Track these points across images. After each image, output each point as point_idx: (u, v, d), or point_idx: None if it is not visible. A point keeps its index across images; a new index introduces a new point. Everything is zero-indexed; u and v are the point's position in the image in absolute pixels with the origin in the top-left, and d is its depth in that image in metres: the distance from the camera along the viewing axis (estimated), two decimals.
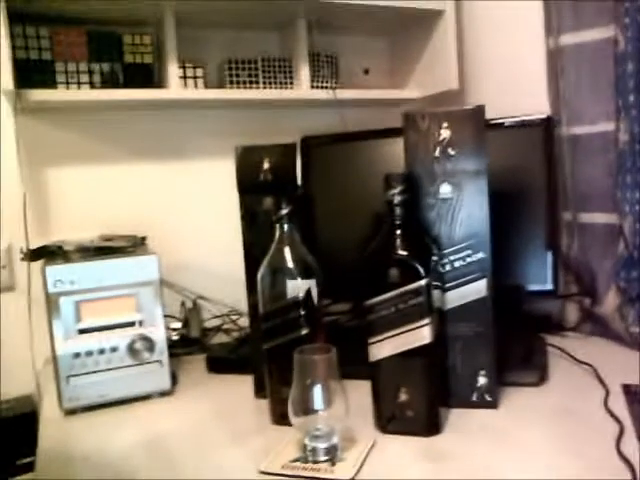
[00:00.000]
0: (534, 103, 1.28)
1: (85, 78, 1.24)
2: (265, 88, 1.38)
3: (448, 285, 0.87)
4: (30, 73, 1.20)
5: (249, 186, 0.97)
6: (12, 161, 1.25)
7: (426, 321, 0.79)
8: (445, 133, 0.86)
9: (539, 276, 1.16)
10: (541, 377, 0.97)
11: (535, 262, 1.17)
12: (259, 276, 0.88)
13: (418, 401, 0.81)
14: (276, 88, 1.39)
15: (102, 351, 0.99)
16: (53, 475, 0.80)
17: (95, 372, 0.99)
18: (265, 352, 0.88)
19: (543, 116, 1.18)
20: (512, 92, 1.35)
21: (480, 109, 0.86)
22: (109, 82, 1.26)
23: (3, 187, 1.27)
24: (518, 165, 1.18)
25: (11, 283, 1.31)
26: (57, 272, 0.96)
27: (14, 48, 1.18)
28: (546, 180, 1.17)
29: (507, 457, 0.74)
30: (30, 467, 1.08)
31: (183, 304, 1.39)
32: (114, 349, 1.00)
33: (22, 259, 1.08)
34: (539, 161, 1.17)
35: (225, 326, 1.41)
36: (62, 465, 0.83)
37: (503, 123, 1.18)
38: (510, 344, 1.05)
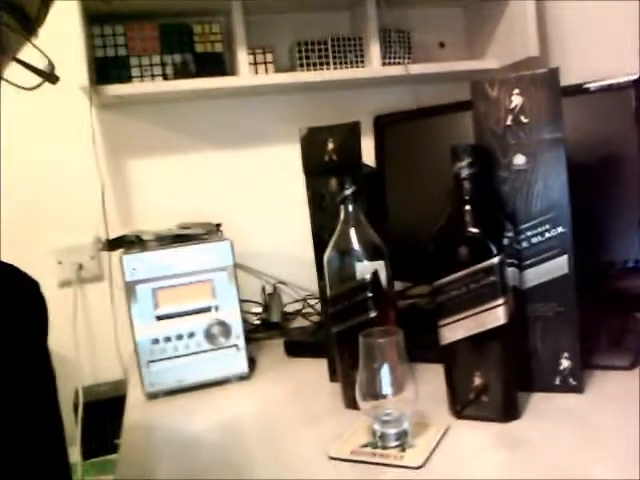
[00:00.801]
0: (625, 65, 1.18)
1: (158, 70, 1.27)
2: (336, 69, 1.36)
3: (526, 263, 0.82)
4: (107, 69, 1.25)
5: (314, 168, 0.96)
6: (91, 155, 1.30)
7: (500, 301, 0.75)
8: (517, 100, 0.80)
9: (631, 251, 1.08)
10: (634, 360, 0.90)
11: (627, 236, 1.08)
12: (325, 259, 0.87)
13: (494, 385, 0.77)
14: (347, 68, 1.36)
15: (180, 337, 1.01)
16: (136, 455, 0.83)
17: (174, 357, 1.01)
18: (334, 336, 0.87)
19: (633, 77, 1.08)
20: (599, 55, 1.25)
21: (554, 71, 0.79)
22: (181, 73, 1.28)
23: (86, 182, 1.32)
24: (607, 132, 1.09)
25: (100, 273, 1.37)
26: (133, 260, 0.99)
27: (94, 47, 1.23)
28: (638, 147, 1.08)
29: (592, 446, 0.69)
30: None
31: (264, 289, 1.41)
32: (191, 334, 1.02)
33: (101, 249, 1.12)
34: (630, 127, 1.07)
35: (305, 310, 1.41)
36: (144, 446, 0.86)
37: (588, 88, 1.10)
38: (598, 325, 0.98)
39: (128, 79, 1.25)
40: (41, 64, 0.48)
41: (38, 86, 0.45)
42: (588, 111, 1.08)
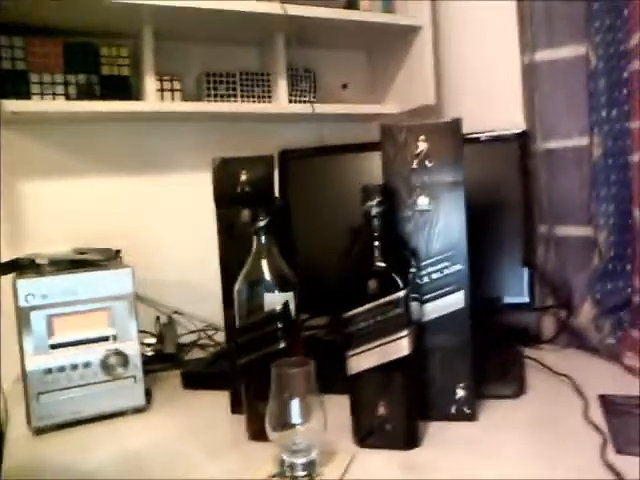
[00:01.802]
0: (510, 117, 1.29)
1: (61, 90, 1.22)
2: (243, 102, 1.38)
3: (426, 297, 0.87)
4: (3, 83, 1.18)
5: (226, 199, 0.96)
6: None
7: (405, 332, 0.79)
8: (422, 145, 0.86)
9: (515, 289, 1.17)
10: (519, 389, 0.97)
11: (511, 275, 1.18)
12: (236, 289, 0.87)
13: (397, 414, 0.80)
14: (254, 102, 1.39)
15: (75, 367, 0.97)
16: None
17: (67, 388, 0.96)
18: (242, 367, 0.87)
19: (518, 130, 1.19)
20: (488, 107, 1.36)
21: (456, 122, 0.86)
22: (85, 94, 1.24)
23: None
24: (494, 179, 1.19)
25: None
26: (28, 286, 0.94)
27: None
28: (522, 194, 1.18)
29: (487, 470, 0.74)
30: None
31: (158, 319, 1.37)
32: (87, 364, 0.97)
33: None
34: (515, 175, 1.18)
35: (201, 341, 1.39)
36: None
37: (479, 138, 1.19)
38: (487, 357, 1.05)
39: (27, 96, 1.19)
40: None
41: None
42: (478, 159, 1.17)
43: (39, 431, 0.95)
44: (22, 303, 0.93)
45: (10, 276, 1.01)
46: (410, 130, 0.86)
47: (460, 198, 0.86)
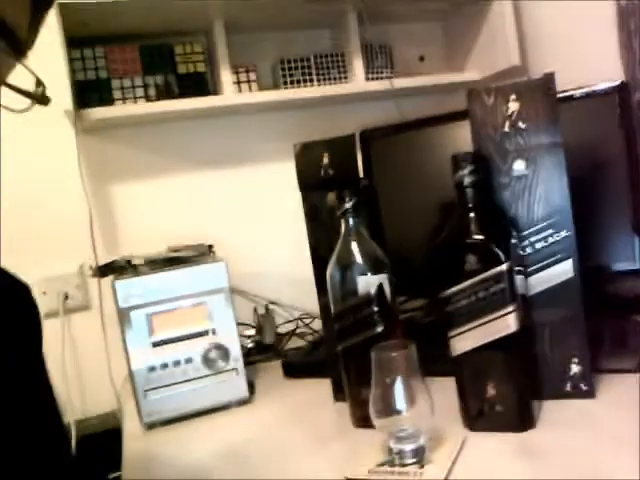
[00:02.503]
0: (606, 70, 1.19)
1: (140, 92, 1.25)
2: (320, 85, 1.35)
3: (531, 269, 0.81)
4: (89, 92, 1.22)
5: (310, 183, 0.95)
6: (76, 181, 1.27)
7: (510, 309, 0.74)
8: (513, 106, 0.80)
9: (625, 254, 1.08)
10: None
11: (619, 240, 1.09)
12: (328, 274, 0.85)
13: (507, 394, 0.75)
14: (331, 84, 1.36)
15: (177, 363, 0.98)
16: None
17: (172, 385, 0.98)
18: (340, 353, 0.85)
19: (616, 83, 1.09)
20: (579, 61, 1.26)
21: (549, 77, 0.79)
22: (164, 94, 1.26)
23: (69, 208, 1.29)
24: (592, 139, 1.11)
25: (86, 302, 1.33)
26: (127, 286, 0.96)
27: (73, 71, 1.21)
28: (625, 150, 1.08)
29: (610, 450, 0.68)
30: None
31: (255, 311, 1.38)
32: (189, 360, 0.99)
33: (92, 276, 1.09)
34: (615, 132, 1.09)
35: (299, 330, 1.38)
36: (147, 478, 0.82)
37: (572, 95, 1.11)
38: (601, 328, 0.97)
39: (110, 102, 1.23)
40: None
41: (29, 109, 0.43)
42: (573, 119, 1.08)
43: (150, 426, 0.98)
44: (122, 304, 0.96)
45: (109, 278, 1.04)
46: (499, 91, 0.81)
47: (560, 159, 0.79)
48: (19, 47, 0.42)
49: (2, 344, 0.48)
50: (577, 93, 1.10)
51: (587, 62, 1.26)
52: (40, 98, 0.43)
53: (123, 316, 0.96)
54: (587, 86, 1.10)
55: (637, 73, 1.14)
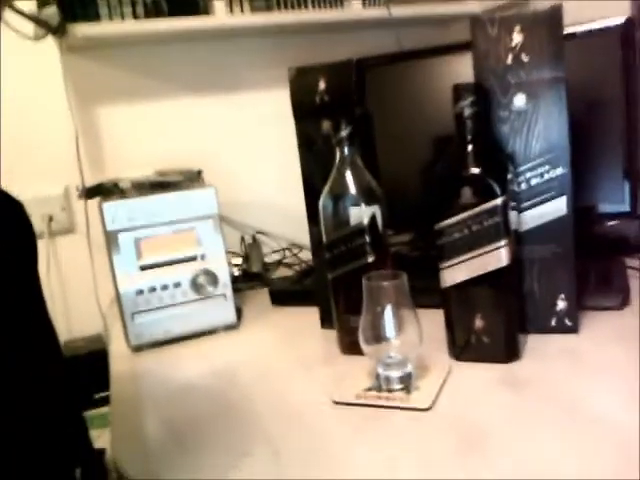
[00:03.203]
0: (614, 6, 1.16)
1: (128, 9, 1.19)
2: (315, 10, 1.31)
3: (524, 205, 0.81)
4: (73, 8, 1.16)
5: (305, 110, 0.92)
6: (62, 102, 1.23)
7: (502, 242, 0.74)
8: (518, 38, 0.78)
9: (615, 196, 1.08)
10: (623, 300, 0.91)
11: (611, 181, 1.09)
12: (320, 204, 0.85)
13: (495, 327, 0.77)
14: (326, 10, 1.31)
15: (165, 287, 0.98)
16: (126, 408, 0.81)
17: (159, 308, 0.98)
18: (331, 281, 0.85)
19: (620, 19, 1.07)
20: None
21: (556, 9, 0.77)
22: (153, 13, 1.21)
23: (55, 129, 1.26)
24: (592, 77, 1.09)
25: (70, 225, 1.32)
26: (114, 208, 0.95)
27: None
28: (624, 91, 1.07)
29: (591, 382, 0.70)
30: (106, 401, 1.11)
31: (243, 239, 1.38)
32: (177, 284, 0.99)
33: (78, 197, 1.07)
34: (616, 70, 1.07)
35: (286, 260, 1.39)
36: (134, 398, 0.83)
37: (574, 32, 1.08)
38: (588, 267, 0.99)
39: (96, 18, 1.17)
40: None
41: (43, 36, 0.40)
42: (574, 55, 1.06)
43: (137, 349, 0.98)
44: (109, 226, 0.95)
45: (95, 201, 1.02)
46: (503, 21, 0.78)
47: (562, 95, 0.78)
48: None
49: (3, 255, 0.47)
50: (579, 30, 1.08)
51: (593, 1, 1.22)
52: (56, 28, 0.39)
53: (111, 239, 0.95)
54: (590, 22, 1.07)
55: None
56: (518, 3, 1.30)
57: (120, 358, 0.98)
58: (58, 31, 0.40)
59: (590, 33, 1.07)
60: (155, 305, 0.98)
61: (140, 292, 0.97)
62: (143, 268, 0.97)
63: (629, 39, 1.07)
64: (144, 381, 0.89)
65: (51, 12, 0.39)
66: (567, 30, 1.03)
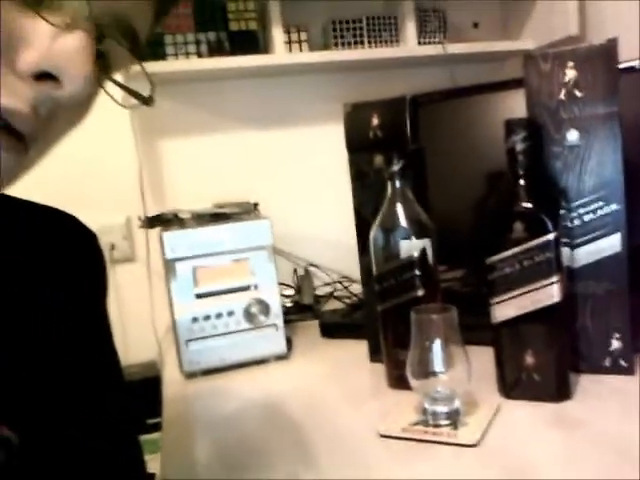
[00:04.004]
0: None
1: (193, 49, 1.26)
2: (371, 48, 1.34)
3: (577, 241, 0.80)
4: (142, 49, 1.23)
5: (358, 144, 0.94)
6: (127, 135, 1.29)
7: (554, 279, 0.73)
8: (571, 74, 0.78)
9: None
10: None
11: None
12: (371, 236, 0.86)
13: (546, 364, 0.75)
14: (382, 47, 1.34)
15: (219, 315, 1.01)
16: (178, 433, 0.83)
17: (213, 336, 1.01)
18: (380, 314, 0.86)
19: None
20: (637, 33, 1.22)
21: (611, 43, 0.77)
22: (216, 51, 1.27)
23: (119, 161, 1.32)
24: None
25: (131, 254, 1.37)
26: (174, 238, 0.99)
27: None
28: None
29: None
30: (157, 427, 1.13)
31: (295, 271, 1.40)
32: (231, 313, 1.01)
33: (140, 226, 1.12)
34: None
35: (337, 293, 1.40)
36: (185, 424, 0.85)
37: (632, 66, 1.07)
38: None
39: (163, 57, 1.24)
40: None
41: (137, 106, 0.44)
42: (632, 90, 1.05)
43: (190, 375, 1.01)
44: (168, 254, 0.98)
45: (156, 231, 1.06)
46: (557, 57, 0.79)
47: (615, 131, 0.77)
48: (139, 50, 0.42)
49: (77, 284, 0.50)
50: (637, 64, 1.07)
51: None
52: (146, 100, 0.43)
53: (169, 267, 0.98)
54: None
55: None
56: (573, 40, 1.30)
57: (173, 384, 1.00)
58: (149, 102, 0.43)
59: None
60: (209, 333, 1.01)
61: (195, 320, 1.00)
62: (199, 296, 1.00)
63: None
64: (196, 407, 0.91)
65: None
66: (626, 63, 1.03)
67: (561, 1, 1.30)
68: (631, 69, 1.07)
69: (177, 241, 0.98)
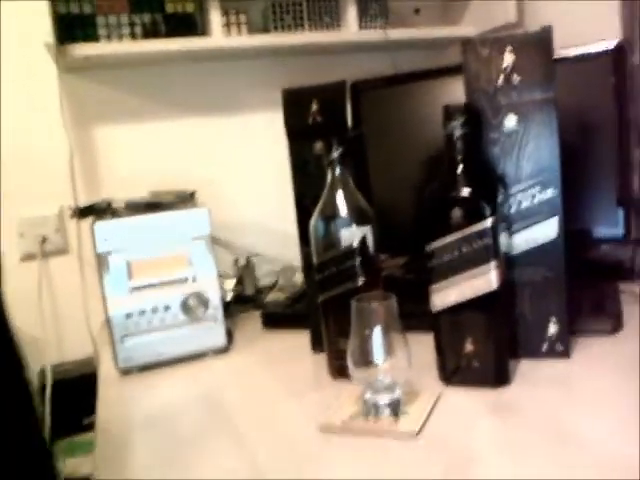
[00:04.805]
0: (604, 30, 1.16)
1: (127, 31, 1.21)
2: (311, 32, 1.31)
3: (515, 227, 0.80)
4: (72, 28, 1.17)
5: (298, 131, 0.92)
6: (57, 121, 1.23)
7: (492, 265, 0.73)
8: (508, 59, 0.78)
9: (609, 220, 1.08)
10: (616, 325, 0.90)
11: (604, 205, 1.08)
12: (311, 225, 0.84)
13: (485, 351, 0.75)
14: (323, 31, 1.32)
15: (155, 309, 0.97)
16: (112, 432, 0.79)
17: (149, 331, 0.97)
18: (321, 304, 0.84)
19: (612, 43, 1.07)
20: (578, 20, 1.23)
21: (546, 30, 0.77)
22: (151, 33, 1.22)
23: (50, 149, 1.26)
24: (585, 100, 1.08)
25: (64, 246, 1.31)
26: (106, 229, 0.94)
27: (55, 3, 1.16)
28: (616, 115, 1.07)
29: (581, 409, 0.68)
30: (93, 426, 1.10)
31: (236, 262, 1.37)
32: (167, 307, 0.98)
33: (71, 216, 1.07)
34: (609, 94, 1.07)
35: (280, 283, 1.38)
36: (120, 423, 0.82)
37: (566, 56, 1.08)
38: (580, 291, 0.97)
39: (95, 38, 1.18)
40: None
41: None
42: (566, 79, 1.06)
43: (125, 372, 0.97)
44: (100, 247, 0.94)
45: (88, 222, 1.01)
46: (495, 43, 0.78)
47: (552, 117, 0.77)
48: None
49: None
50: (571, 54, 1.08)
51: (585, 22, 1.22)
52: None
53: (101, 259, 0.94)
54: (582, 46, 1.07)
55: (635, 34, 1.11)
56: (513, 26, 1.31)
57: (108, 382, 0.97)
58: None
59: (582, 57, 1.08)
60: (145, 328, 0.97)
61: (130, 315, 0.96)
62: (133, 290, 0.96)
63: (621, 64, 1.07)
64: (131, 405, 0.88)
65: None
66: (559, 54, 1.04)
67: None
68: (564, 59, 1.08)
69: (109, 232, 0.94)
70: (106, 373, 0.99)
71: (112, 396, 0.92)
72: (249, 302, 1.28)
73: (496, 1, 1.33)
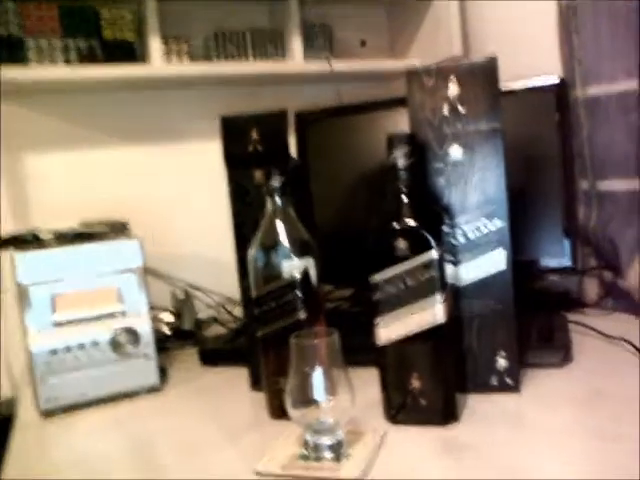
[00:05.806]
0: (545, 65, 1.18)
1: (60, 56, 1.15)
2: (255, 62, 1.29)
3: (462, 258, 0.78)
4: None
5: (237, 160, 0.88)
6: None
7: (439, 298, 0.70)
8: (454, 89, 0.77)
9: (555, 250, 1.08)
10: (565, 356, 0.88)
11: (550, 236, 1.08)
12: (250, 255, 0.79)
13: (432, 387, 0.72)
14: (267, 61, 1.30)
15: (82, 346, 0.90)
16: None
17: (75, 369, 0.90)
18: (260, 339, 0.79)
19: (554, 78, 1.09)
20: (520, 55, 1.25)
21: (491, 61, 0.76)
22: (87, 59, 1.17)
23: None
24: (528, 134, 1.09)
25: None
26: (28, 260, 0.88)
27: None
28: (560, 147, 1.08)
29: (533, 446, 0.65)
30: None
31: (174, 295, 1.30)
32: (95, 343, 0.91)
33: None
34: (552, 127, 1.08)
35: (220, 317, 1.32)
36: (36, 471, 0.74)
37: (511, 89, 1.09)
38: (528, 323, 0.96)
39: (23, 62, 1.12)
40: None
41: None
42: (511, 112, 1.06)
43: (47, 414, 0.89)
44: (22, 279, 0.87)
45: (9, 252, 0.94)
46: (440, 72, 0.77)
47: (498, 146, 0.76)
48: None
49: None
50: (516, 87, 1.09)
51: (528, 58, 1.24)
52: None
53: (22, 292, 0.87)
54: (526, 80, 1.08)
55: (575, 70, 1.13)
56: (458, 59, 1.31)
57: (27, 426, 0.88)
58: None
59: (527, 91, 1.09)
60: (70, 365, 0.90)
61: (54, 352, 0.89)
62: (57, 325, 0.89)
63: (563, 98, 1.09)
64: (50, 451, 0.80)
65: None
66: (505, 87, 1.04)
67: (445, 22, 1.32)
68: (510, 92, 1.08)
69: (32, 263, 0.87)
70: (25, 415, 0.91)
71: (29, 441, 0.84)
72: (188, 337, 1.22)
73: (442, 34, 1.34)
